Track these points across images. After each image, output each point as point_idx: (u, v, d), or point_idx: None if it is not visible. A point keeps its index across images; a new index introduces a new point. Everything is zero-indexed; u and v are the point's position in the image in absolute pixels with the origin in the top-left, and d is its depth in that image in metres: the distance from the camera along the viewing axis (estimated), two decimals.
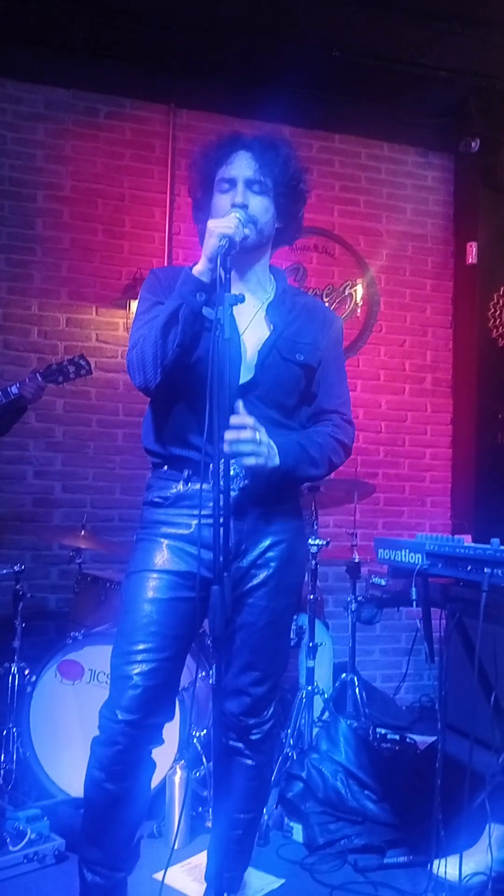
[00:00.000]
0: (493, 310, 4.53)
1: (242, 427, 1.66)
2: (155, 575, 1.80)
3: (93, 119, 4.14)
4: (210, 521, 1.57)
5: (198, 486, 1.77)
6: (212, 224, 1.71)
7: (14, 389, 2.95)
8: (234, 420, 1.65)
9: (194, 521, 1.79)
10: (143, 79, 4.17)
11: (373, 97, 4.39)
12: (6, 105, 4.02)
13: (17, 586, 2.99)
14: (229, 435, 1.62)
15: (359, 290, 4.54)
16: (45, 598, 3.90)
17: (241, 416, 1.67)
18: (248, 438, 1.66)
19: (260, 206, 1.84)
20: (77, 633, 2.84)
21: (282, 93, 4.11)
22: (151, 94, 4.21)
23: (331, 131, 4.54)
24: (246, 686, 1.89)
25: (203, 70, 4.15)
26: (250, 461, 1.69)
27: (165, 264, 4.11)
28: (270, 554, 1.87)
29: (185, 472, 1.84)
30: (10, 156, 4.01)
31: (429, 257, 4.73)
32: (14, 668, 2.90)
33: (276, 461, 1.74)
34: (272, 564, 1.87)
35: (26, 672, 2.89)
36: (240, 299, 1.64)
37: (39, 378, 2.98)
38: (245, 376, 1.83)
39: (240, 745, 1.94)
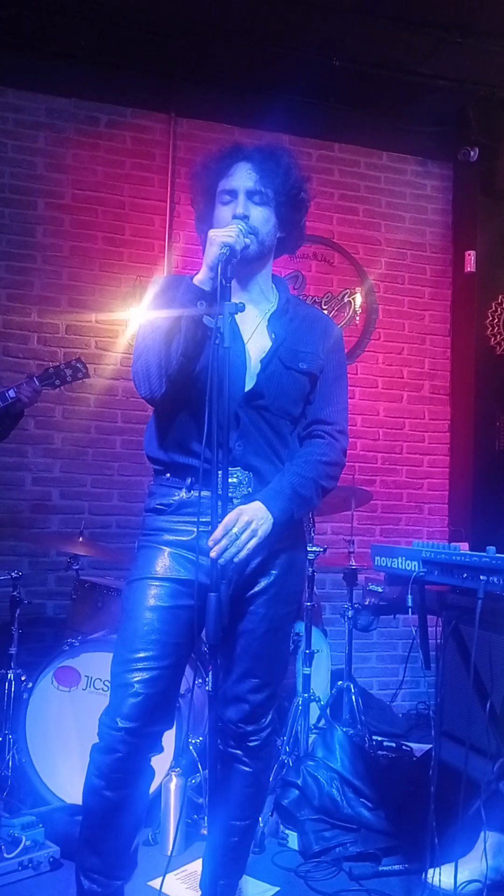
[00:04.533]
0: (491, 318, 4.55)
1: (217, 542, 1.66)
2: (156, 583, 1.81)
3: (93, 128, 4.17)
4: (210, 528, 1.58)
5: (202, 493, 1.78)
6: (212, 233, 1.73)
7: (11, 394, 2.95)
8: (210, 542, 1.65)
9: (197, 529, 1.80)
10: (143, 88, 4.20)
11: (372, 106, 4.42)
12: (7, 113, 4.04)
13: (15, 592, 2.99)
14: (214, 553, 1.64)
15: (357, 299, 4.56)
16: (42, 605, 3.90)
17: (213, 536, 1.66)
18: (229, 543, 1.67)
19: (261, 216, 1.86)
20: (74, 640, 2.84)
21: (282, 101, 4.14)
22: (152, 103, 4.24)
23: (330, 140, 4.57)
24: (245, 693, 1.89)
25: (204, 79, 4.18)
26: (251, 545, 1.71)
27: (165, 272, 4.13)
28: (271, 562, 1.88)
29: (188, 480, 1.84)
30: (11, 164, 4.03)
31: (427, 266, 4.75)
32: (10, 675, 2.89)
33: (270, 523, 1.76)
34: (273, 572, 1.88)
35: (23, 678, 2.89)
36: (240, 308, 1.65)
37: (36, 382, 2.98)
38: (248, 384, 1.85)
39: (238, 752, 1.94)
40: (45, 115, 4.10)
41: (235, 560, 1.70)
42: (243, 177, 1.85)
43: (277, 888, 2.40)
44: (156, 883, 2.25)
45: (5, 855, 2.35)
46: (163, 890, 1.86)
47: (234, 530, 1.69)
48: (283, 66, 4.05)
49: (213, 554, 1.64)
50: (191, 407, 1.82)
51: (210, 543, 1.65)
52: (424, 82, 4.23)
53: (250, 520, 1.72)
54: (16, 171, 4.03)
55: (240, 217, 1.81)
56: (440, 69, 4.17)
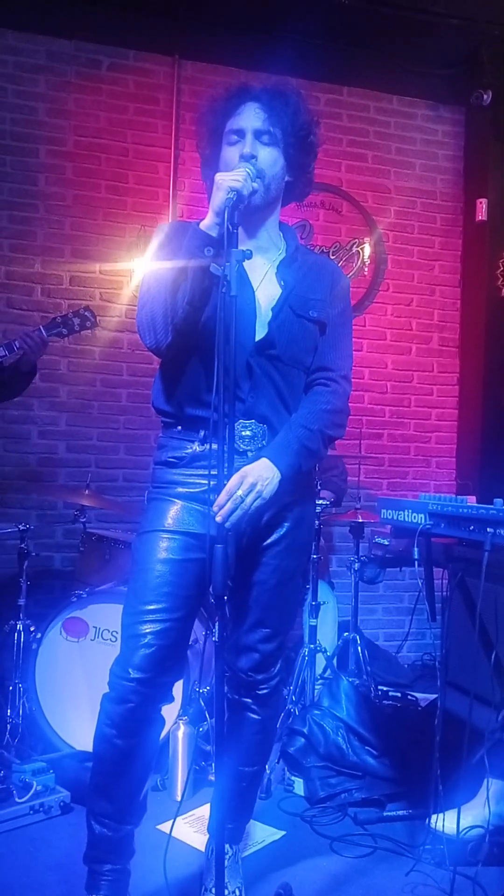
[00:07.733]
0: (502, 268, 4.46)
1: (222, 506, 1.64)
2: (168, 535, 1.80)
3: (95, 71, 4.05)
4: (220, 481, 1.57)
5: (214, 446, 1.75)
6: (219, 177, 1.68)
7: (17, 344, 2.89)
8: (215, 508, 1.63)
9: (210, 482, 1.78)
10: (146, 29, 4.06)
11: (382, 47, 4.28)
12: (7, 56, 3.92)
13: (23, 545, 3.00)
14: (219, 518, 1.61)
15: (366, 248, 4.47)
16: (50, 557, 3.93)
17: (218, 501, 1.64)
18: (235, 505, 1.65)
19: (269, 157, 1.81)
20: (82, 592, 2.87)
21: (289, 43, 4.00)
22: (155, 45, 4.11)
23: (339, 83, 4.43)
24: (255, 643, 1.91)
25: (208, 20, 4.04)
26: (255, 505, 1.70)
27: (169, 221, 4.05)
28: (284, 514, 1.88)
29: (201, 433, 1.82)
30: (12, 109, 3.93)
31: (437, 214, 4.65)
32: (20, 626, 2.92)
33: (277, 480, 1.74)
34: (285, 525, 1.89)
35: (32, 629, 2.92)
36: (247, 255, 1.61)
37: (43, 332, 2.93)
38: (260, 333, 1.82)
39: (247, 700, 1.97)
40: (46, 58, 3.97)
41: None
42: (251, 116, 1.80)
43: (283, 832, 2.45)
44: (165, 827, 2.30)
45: (17, 799, 2.41)
46: (172, 833, 1.89)
47: (239, 493, 1.68)
48: (291, 6, 3.91)
49: (218, 518, 1.62)
50: (201, 357, 1.79)
51: (215, 510, 1.63)
52: (436, 21, 4.08)
53: (255, 482, 1.71)
54: (16, 117, 3.93)
55: (247, 157, 1.76)
56: (452, 7, 4.03)
